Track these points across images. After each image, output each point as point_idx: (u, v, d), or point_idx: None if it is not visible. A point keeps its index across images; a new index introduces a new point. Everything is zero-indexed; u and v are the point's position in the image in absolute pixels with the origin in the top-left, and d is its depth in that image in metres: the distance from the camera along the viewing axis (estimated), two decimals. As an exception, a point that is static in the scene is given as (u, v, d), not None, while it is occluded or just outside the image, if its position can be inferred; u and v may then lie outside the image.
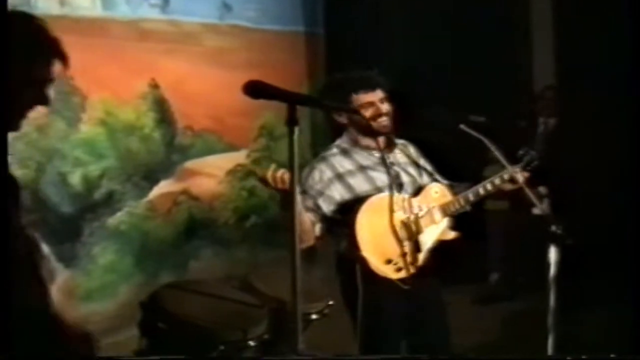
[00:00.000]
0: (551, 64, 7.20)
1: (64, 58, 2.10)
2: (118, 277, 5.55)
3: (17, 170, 4.47)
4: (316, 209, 3.33)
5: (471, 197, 3.50)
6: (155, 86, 5.88)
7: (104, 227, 5.51)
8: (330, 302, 3.30)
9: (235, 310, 2.80)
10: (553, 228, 2.92)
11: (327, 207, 3.35)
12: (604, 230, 5.73)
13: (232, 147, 6.72)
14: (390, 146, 3.55)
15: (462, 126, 3.47)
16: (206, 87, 6.34)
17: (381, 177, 3.40)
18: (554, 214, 3.16)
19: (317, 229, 3.32)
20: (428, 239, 3.44)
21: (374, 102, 3.41)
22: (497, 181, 3.48)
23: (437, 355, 3.48)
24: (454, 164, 3.77)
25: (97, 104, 5.38)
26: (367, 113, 3.35)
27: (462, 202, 3.49)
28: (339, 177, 3.41)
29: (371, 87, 3.42)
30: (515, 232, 6.24)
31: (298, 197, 3.04)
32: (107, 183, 5.54)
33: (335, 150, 3.50)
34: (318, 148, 3.35)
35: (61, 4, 4.97)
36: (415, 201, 3.45)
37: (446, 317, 3.62)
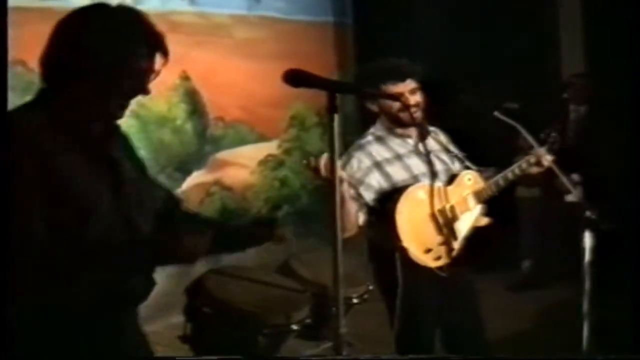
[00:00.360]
0: (580, 51, 7.15)
1: (165, 51, 2.16)
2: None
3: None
4: (358, 197, 3.32)
5: (501, 182, 3.51)
6: (186, 78, 5.93)
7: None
8: (371, 287, 3.32)
9: (278, 295, 2.82)
10: (588, 214, 2.93)
11: (368, 196, 3.34)
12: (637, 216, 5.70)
13: (263, 138, 6.75)
14: (423, 134, 3.55)
15: (496, 113, 3.48)
16: (237, 78, 6.37)
17: (417, 165, 3.40)
18: (587, 201, 3.16)
19: (360, 218, 3.31)
20: (463, 226, 3.46)
21: (403, 93, 3.36)
22: (524, 165, 3.50)
23: (470, 348, 3.48)
24: (484, 151, 3.77)
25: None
26: (395, 104, 3.34)
27: (493, 187, 3.51)
28: (377, 165, 3.40)
29: (400, 78, 3.39)
30: (547, 219, 6.23)
31: (345, 186, 3.09)
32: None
33: (370, 138, 3.50)
34: (348, 137, 3.35)
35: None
36: (450, 189, 3.45)
37: (479, 303, 3.62)
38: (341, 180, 3.01)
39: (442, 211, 3.39)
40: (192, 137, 6.10)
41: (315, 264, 3.11)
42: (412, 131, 3.48)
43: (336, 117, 2.08)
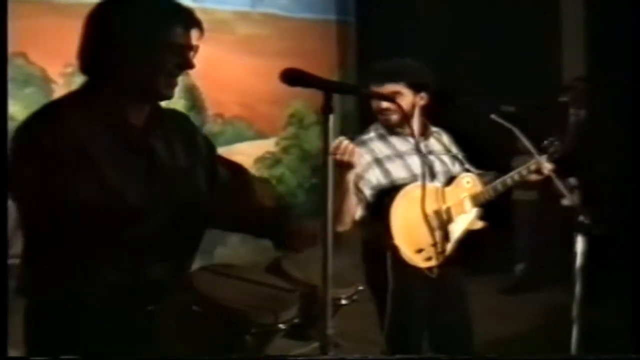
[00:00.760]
0: (581, 55, 7.16)
1: (200, 25, 2.19)
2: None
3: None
4: (357, 192, 3.31)
5: (499, 187, 3.51)
6: (185, 73, 5.92)
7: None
8: (360, 288, 3.33)
9: (266, 294, 2.82)
10: (581, 218, 2.94)
11: (367, 192, 3.35)
12: (634, 221, 5.71)
13: (261, 135, 6.77)
14: (426, 133, 3.56)
15: (493, 116, 3.48)
16: (237, 75, 6.38)
17: (417, 164, 3.38)
18: (583, 205, 3.17)
19: (357, 212, 3.33)
20: (457, 228, 3.46)
21: (383, 95, 3.36)
22: (523, 172, 3.50)
23: (457, 350, 3.49)
24: (484, 153, 3.78)
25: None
26: (375, 106, 3.40)
27: (491, 192, 3.51)
28: (378, 161, 3.41)
29: (379, 81, 3.39)
30: (543, 222, 6.24)
31: (351, 177, 3.15)
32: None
33: (373, 134, 3.50)
34: (348, 135, 3.36)
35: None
36: (448, 190, 3.46)
37: (468, 306, 3.61)
38: (351, 167, 3.09)
39: (438, 212, 3.39)
40: (190, 132, 6.09)
41: (306, 264, 3.11)
42: (415, 130, 3.49)
43: (331, 117, 2.08)
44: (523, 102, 4.06)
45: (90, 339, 2.05)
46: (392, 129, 3.46)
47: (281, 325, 2.57)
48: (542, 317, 5.43)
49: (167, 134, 2.27)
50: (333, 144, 2.90)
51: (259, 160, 6.71)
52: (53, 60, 5.54)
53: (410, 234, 3.31)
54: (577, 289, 2.90)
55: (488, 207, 3.57)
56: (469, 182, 3.53)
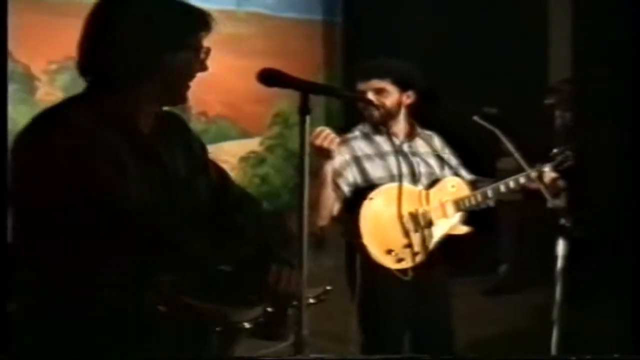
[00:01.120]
0: (568, 57, 7.17)
1: (209, 27, 2.16)
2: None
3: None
4: (336, 188, 3.33)
5: (490, 193, 3.47)
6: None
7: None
8: (328, 288, 3.33)
9: (232, 292, 2.79)
10: (562, 221, 2.94)
11: (344, 188, 3.36)
12: (621, 224, 5.72)
13: (246, 134, 6.75)
14: (412, 134, 3.55)
15: (475, 118, 3.47)
16: (222, 74, 6.33)
17: (398, 165, 3.37)
18: (568, 207, 3.16)
19: (335, 208, 3.34)
20: (437, 232, 3.44)
21: (364, 91, 3.40)
22: (521, 179, 3.43)
23: (439, 351, 3.48)
24: (480, 158, 3.76)
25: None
26: (360, 103, 3.40)
27: (479, 197, 3.46)
28: (356, 159, 3.42)
29: (364, 77, 3.42)
30: (527, 224, 6.24)
31: (330, 172, 3.16)
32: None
33: (357, 133, 3.51)
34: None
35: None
36: (429, 193, 3.45)
37: (450, 309, 3.61)
38: (329, 156, 3.13)
39: (415, 214, 3.38)
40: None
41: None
42: (400, 131, 3.48)
43: (308, 118, 2.07)
44: (508, 103, 4.05)
45: (70, 340, 2.01)
46: (378, 128, 3.45)
47: (246, 324, 2.55)
48: (524, 319, 5.43)
49: (170, 140, 2.25)
50: (314, 132, 3.00)
51: (243, 159, 6.69)
52: (36, 57, 5.51)
53: (379, 234, 3.30)
54: (558, 291, 2.90)
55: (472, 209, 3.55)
56: (454, 186, 3.51)
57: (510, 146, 3.34)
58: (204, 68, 2.18)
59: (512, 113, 3.85)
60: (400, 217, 3.32)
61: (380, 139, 3.47)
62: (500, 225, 6.44)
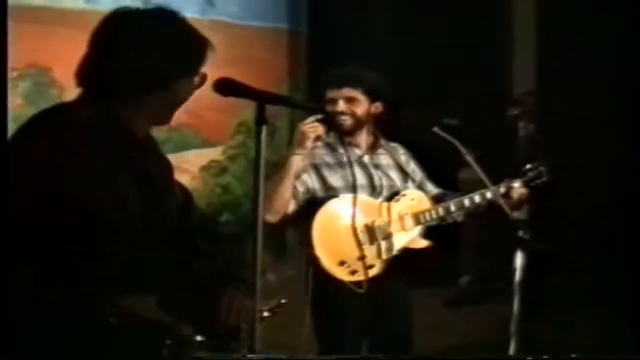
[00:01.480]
0: (532, 69, 7.23)
1: (209, 54, 2.19)
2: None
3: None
4: (294, 188, 3.31)
5: (453, 207, 3.45)
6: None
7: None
8: (283, 301, 3.31)
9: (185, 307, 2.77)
10: (520, 233, 2.94)
11: (300, 189, 3.34)
12: (584, 234, 5.77)
13: (208, 143, 6.70)
14: (374, 147, 3.53)
15: (435, 129, 3.46)
16: (185, 82, 6.31)
17: (359, 177, 3.38)
18: (528, 220, 3.17)
19: (291, 206, 3.32)
20: (394, 245, 3.40)
21: (336, 99, 3.39)
22: (488, 194, 3.42)
23: (395, 356, 3.46)
24: (444, 170, 3.76)
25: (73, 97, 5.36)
26: (328, 109, 3.37)
27: (440, 211, 3.44)
28: (315, 167, 3.39)
29: (337, 85, 3.41)
30: (489, 236, 6.26)
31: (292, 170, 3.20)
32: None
33: (319, 142, 3.49)
34: (293, 147, 3.35)
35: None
36: (387, 206, 3.43)
37: (410, 321, 3.59)
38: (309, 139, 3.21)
39: (370, 226, 3.36)
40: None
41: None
42: (363, 142, 3.47)
43: (264, 128, 2.07)
44: (473, 115, 4.06)
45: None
46: (341, 138, 3.43)
47: (197, 337, 2.53)
48: (485, 330, 5.44)
49: (153, 156, 2.25)
50: (307, 120, 3.13)
51: (204, 169, 6.64)
52: (-3, 63, 5.44)
53: (332, 246, 3.29)
54: (516, 303, 2.90)
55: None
56: (414, 200, 3.48)
57: (469, 158, 3.34)
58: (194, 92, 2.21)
59: (476, 125, 3.86)
60: (354, 228, 3.30)
61: (342, 149, 3.45)
62: (462, 236, 6.45)
